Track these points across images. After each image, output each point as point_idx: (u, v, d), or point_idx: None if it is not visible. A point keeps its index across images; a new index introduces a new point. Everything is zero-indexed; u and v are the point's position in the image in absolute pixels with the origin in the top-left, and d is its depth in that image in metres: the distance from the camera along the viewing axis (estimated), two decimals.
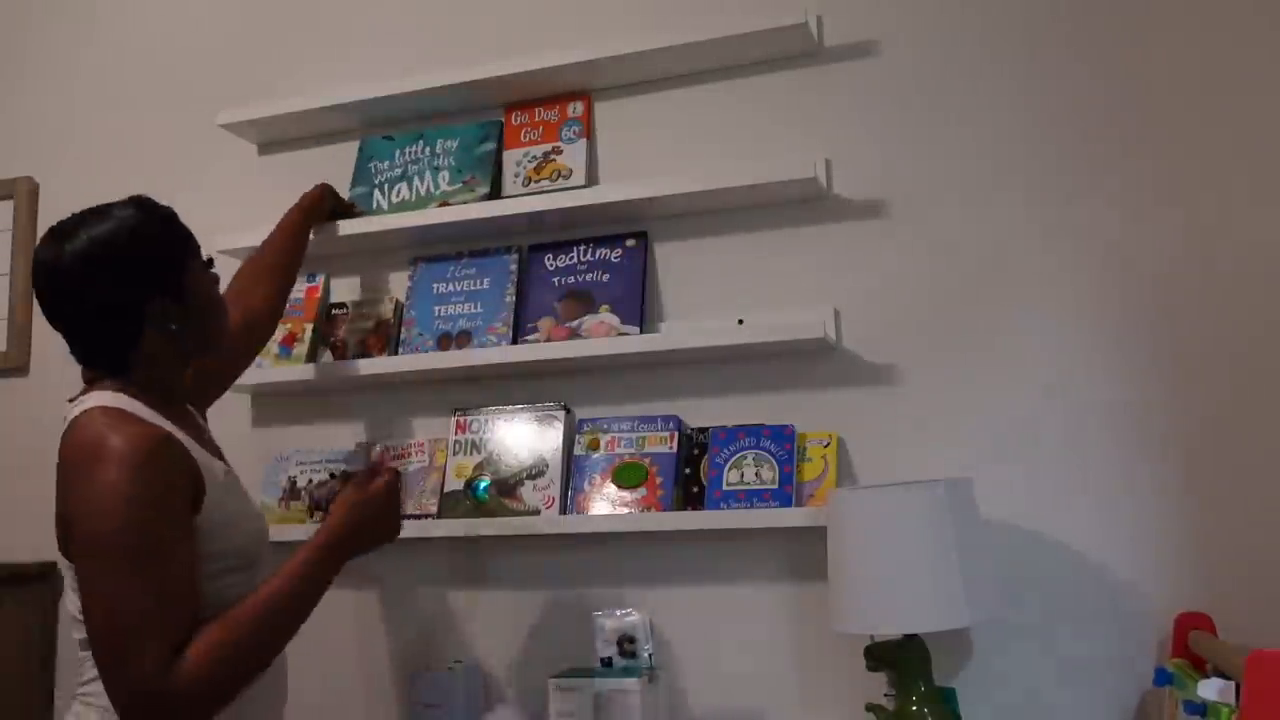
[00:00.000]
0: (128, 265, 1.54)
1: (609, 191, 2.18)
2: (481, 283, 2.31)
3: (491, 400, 2.27)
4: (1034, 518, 1.93)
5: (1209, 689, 1.44)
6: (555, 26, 2.37)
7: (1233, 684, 1.42)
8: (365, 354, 2.34)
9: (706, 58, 2.19)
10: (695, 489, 2.08)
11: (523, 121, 2.35)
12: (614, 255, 2.23)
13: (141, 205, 1.60)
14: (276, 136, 2.55)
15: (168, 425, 1.53)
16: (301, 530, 2.28)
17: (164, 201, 1.64)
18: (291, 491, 2.35)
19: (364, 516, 1.61)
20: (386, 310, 2.37)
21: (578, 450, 2.18)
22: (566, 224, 2.26)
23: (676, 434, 2.12)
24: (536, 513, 2.14)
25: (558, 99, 2.33)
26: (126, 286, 1.54)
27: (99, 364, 1.59)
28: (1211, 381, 1.88)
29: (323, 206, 2.28)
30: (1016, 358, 1.98)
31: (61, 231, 1.56)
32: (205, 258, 1.66)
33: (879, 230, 2.09)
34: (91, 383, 1.59)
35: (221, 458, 1.70)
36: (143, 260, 1.55)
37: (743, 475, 2.04)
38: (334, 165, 2.50)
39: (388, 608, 2.32)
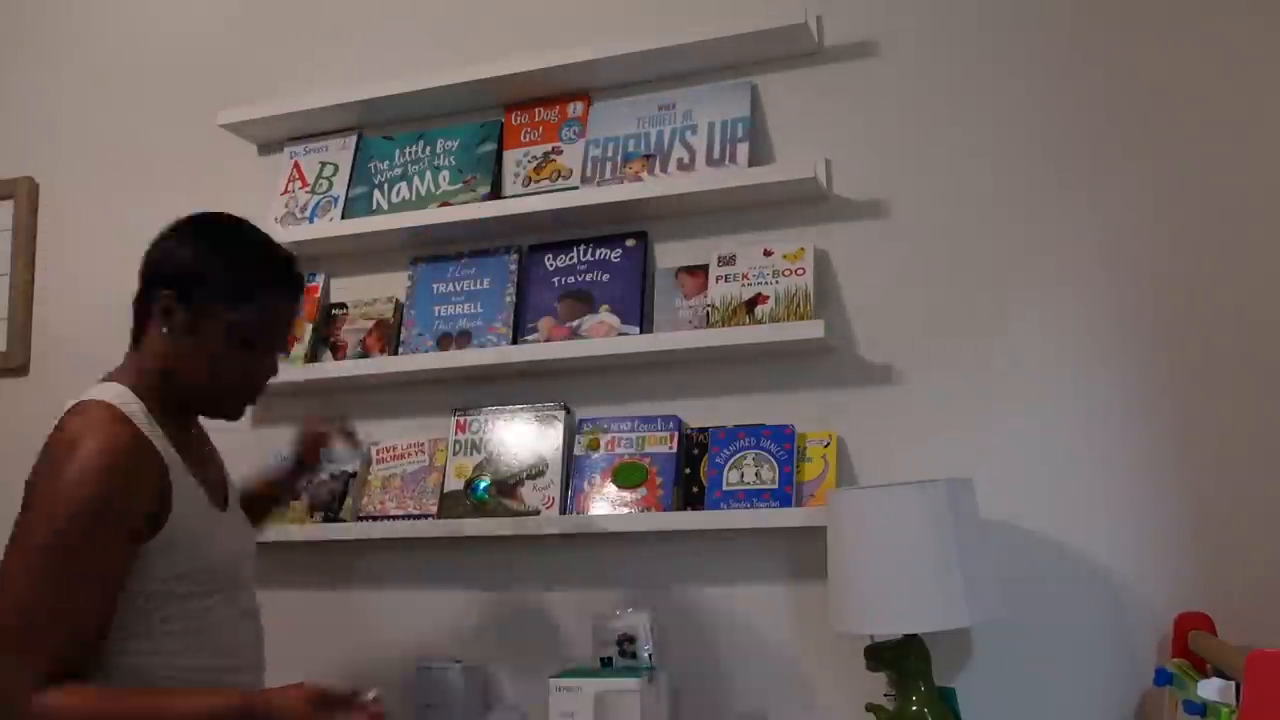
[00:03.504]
0: (197, 248, 1.56)
1: (609, 192, 2.18)
2: (481, 283, 2.31)
3: (491, 400, 2.27)
4: (1034, 518, 1.93)
5: (1209, 689, 1.43)
6: (555, 26, 2.37)
7: (1233, 684, 1.42)
8: (365, 354, 2.34)
9: (706, 58, 2.19)
10: (695, 489, 2.08)
11: (523, 121, 2.35)
12: (614, 255, 2.23)
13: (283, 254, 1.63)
14: (276, 136, 2.55)
15: (156, 434, 1.51)
16: (300, 531, 2.29)
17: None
18: None
19: None
20: (386, 310, 2.37)
21: (578, 450, 2.18)
22: (566, 224, 2.26)
23: (676, 434, 2.12)
24: (536, 513, 2.14)
25: (558, 99, 2.33)
26: (178, 262, 1.55)
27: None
28: (1211, 381, 1.88)
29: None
30: (1016, 358, 1.98)
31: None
32: (278, 349, 1.65)
33: (879, 230, 2.09)
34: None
35: (222, 481, 1.69)
36: (204, 254, 1.55)
37: (743, 475, 2.04)
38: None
39: (388, 607, 2.32)
